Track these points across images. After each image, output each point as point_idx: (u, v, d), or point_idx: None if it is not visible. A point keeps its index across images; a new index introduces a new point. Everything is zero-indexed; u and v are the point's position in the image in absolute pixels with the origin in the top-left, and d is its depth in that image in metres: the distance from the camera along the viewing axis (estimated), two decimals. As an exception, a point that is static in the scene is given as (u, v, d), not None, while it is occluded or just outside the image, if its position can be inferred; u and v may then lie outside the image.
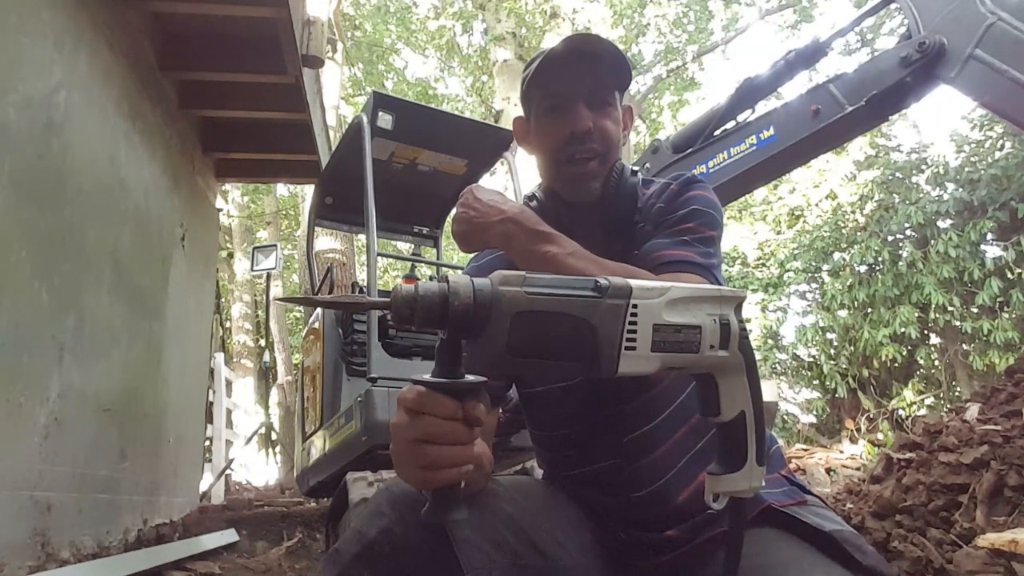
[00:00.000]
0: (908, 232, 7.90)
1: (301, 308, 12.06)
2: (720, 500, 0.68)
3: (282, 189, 12.64)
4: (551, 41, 9.00)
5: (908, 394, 7.45)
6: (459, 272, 0.61)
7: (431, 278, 4.49)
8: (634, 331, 0.60)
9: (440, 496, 0.64)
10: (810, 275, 8.94)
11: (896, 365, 7.67)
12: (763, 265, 10.38)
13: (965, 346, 7.52)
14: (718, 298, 0.65)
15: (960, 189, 7.40)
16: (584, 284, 0.60)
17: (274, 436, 8.55)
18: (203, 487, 5.12)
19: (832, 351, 8.31)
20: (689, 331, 0.62)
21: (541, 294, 0.58)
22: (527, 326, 0.57)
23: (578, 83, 1.00)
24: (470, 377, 0.63)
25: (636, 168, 1.05)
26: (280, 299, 0.68)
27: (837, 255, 8.60)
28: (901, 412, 7.24)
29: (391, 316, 0.58)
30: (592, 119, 1.00)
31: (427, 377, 0.63)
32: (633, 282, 0.60)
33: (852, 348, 7.78)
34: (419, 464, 0.62)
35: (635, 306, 0.60)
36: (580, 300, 0.59)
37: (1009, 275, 6.87)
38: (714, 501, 0.68)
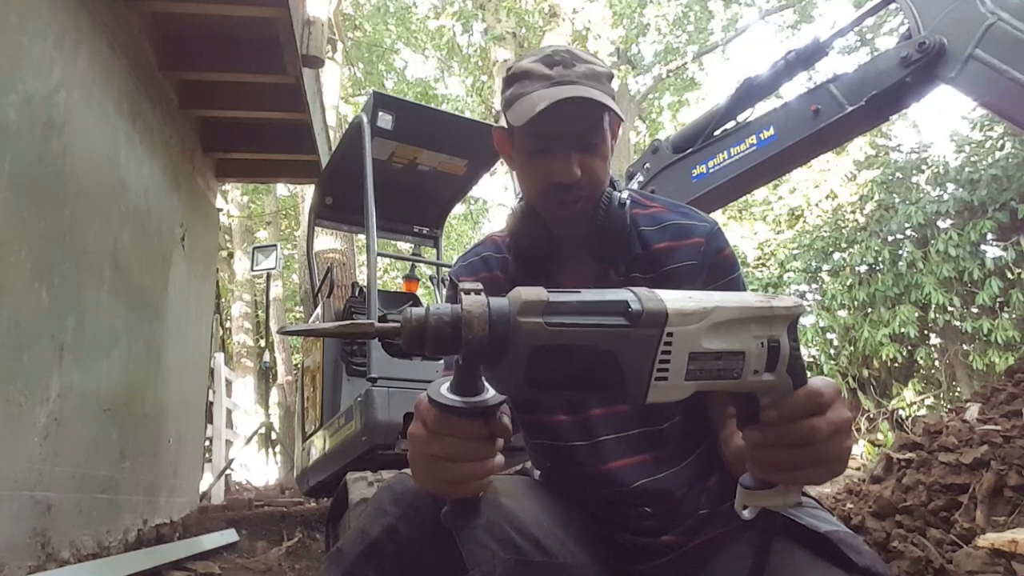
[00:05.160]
0: (908, 232, 7.90)
1: (301, 308, 12.05)
2: (751, 511, 0.64)
3: (282, 189, 12.63)
4: (551, 41, 9.02)
5: (908, 394, 7.46)
6: (472, 293, 0.55)
7: (431, 278, 4.50)
8: (667, 361, 0.54)
9: (459, 504, 0.65)
10: (810, 275, 8.93)
11: (896, 365, 7.67)
12: (763, 265, 10.37)
13: (965, 346, 7.52)
14: (769, 318, 0.57)
15: (960, 189, 7.40)
16: (614, 308, 0.53)
17: (274, 436, 8.55)
18: (203, 487, 5.12)
19: (832, 351, 8.31)
20: (731, 358, 0.56)
21: (564, 325, 0.52)
22: (547, 360, 0.53)
23: (565, 127, 0.91)
24: (490, 392, 0.60)
25: (625, 199, 0.98)
26: (283, 331, 0.61)
27: (837, 255, 8.60)
28: (901, 412, 7.24)
29: (402, 343, 0.54)
30: (580, 162, 0.92)
31: (446, 396, 0.60)
32: (670, 306, 0.54)
33: (852, 348, 7.78)
34: (440, 479, 0.63)
35: (670, 334, 0.53)
36: (607, 331, 0.53)
37: (1009, 275, 6.87)
38: (744, 510, 0.65)
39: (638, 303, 0.53)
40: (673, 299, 0.55)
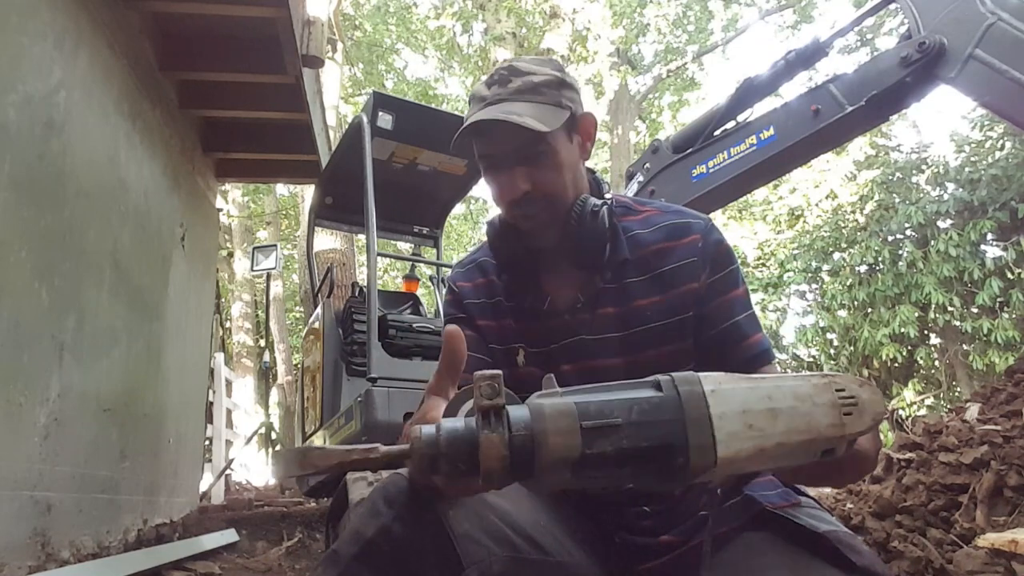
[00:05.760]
0: (908, 232, 7.90)
1: (301, 308, 12.06)
2: None
3: (282, 189, 12.64)
4: (551, 41, 9.02)
5: (908, 394, 7.46)
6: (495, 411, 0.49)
7: (431, 278, 4.50)
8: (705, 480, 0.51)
9: None
10: (810, 275, 8.94)
11: (896, 365, 7.68)
12: (763, 265, 10.38)
13: (965, 346, 7.53)
14: (840, 439, 0.50)
15: (960, 189, 7.41)
16: (658, 455, 0.48)
17: (274, 436, 8.55)
18: (203, 487, 5.12)
19: (832, 351, 8.32)
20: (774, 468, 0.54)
21: (595, 478, 0.49)
22: (572, 488, 0.53)
23: (497, 148, 0.91)
24: None
25: (599, 204, 0.94)
26: (282, 477, 0.58)
27: (837, 255, 8.61)
28: (901, 412, 7.25)
29: (412, 470, 0.52)
30: (528, 175, 0.91)
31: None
32: (722, 451, 0.47)
33: (852, 348, 7.79)
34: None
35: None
36: (644, 477, 0.50)
37: (1009, 275, 6.88)
38: None
39: (684, 451, 0.47)
40: (729, 435, 0.48)
